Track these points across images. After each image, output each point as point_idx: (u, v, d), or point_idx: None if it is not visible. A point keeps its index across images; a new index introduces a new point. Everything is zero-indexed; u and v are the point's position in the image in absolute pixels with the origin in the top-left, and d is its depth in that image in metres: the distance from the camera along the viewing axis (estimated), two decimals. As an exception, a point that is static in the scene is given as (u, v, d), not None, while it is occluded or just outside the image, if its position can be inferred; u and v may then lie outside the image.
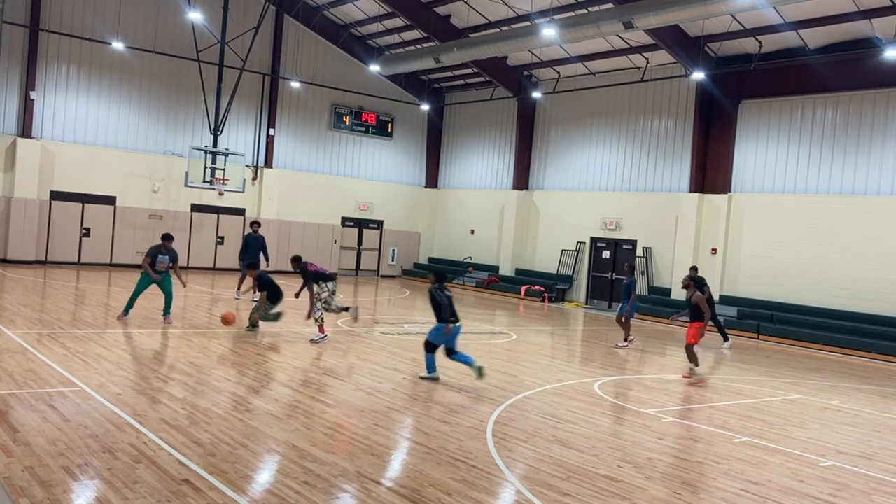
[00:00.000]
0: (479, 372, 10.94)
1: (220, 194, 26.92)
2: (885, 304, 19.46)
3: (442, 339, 11.15)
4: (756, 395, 12.28)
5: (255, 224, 20.58)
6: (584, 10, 22.22)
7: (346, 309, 14.41)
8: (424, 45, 27.94)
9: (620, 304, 17.42)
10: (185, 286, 15.55)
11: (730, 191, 23.28)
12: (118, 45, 25.34)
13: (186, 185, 25.85)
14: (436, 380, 11.20)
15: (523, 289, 27.45)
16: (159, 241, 15.06)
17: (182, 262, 27.40)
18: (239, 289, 20.22)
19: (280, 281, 16.77)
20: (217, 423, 8.04)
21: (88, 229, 25.87)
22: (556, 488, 6.78)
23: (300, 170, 30.60)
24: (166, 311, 15.02)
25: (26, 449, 6.68)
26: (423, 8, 26.56)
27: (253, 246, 19.77)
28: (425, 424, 8.72)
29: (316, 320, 14.05)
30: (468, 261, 31.66)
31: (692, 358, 13.14)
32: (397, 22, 28.24)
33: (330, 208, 31.18)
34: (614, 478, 7.23)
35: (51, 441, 6.94)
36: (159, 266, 14.80)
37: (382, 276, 32.44)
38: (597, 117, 27.36)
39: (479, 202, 31.69)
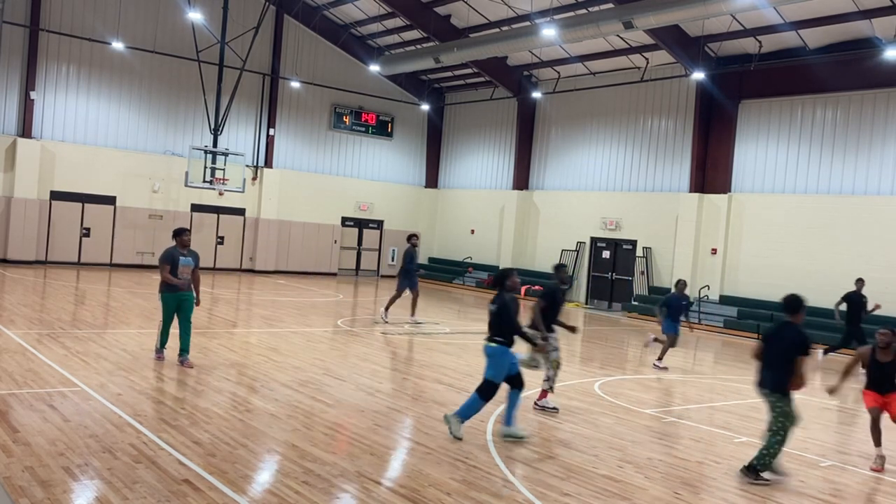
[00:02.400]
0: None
1: (220, 194, 26.92)
2: (886, 305, 19.44)
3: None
4: (756, 395, 12.26)
5: (415, 237, 17.52)
6: (584, 10, 22.21)
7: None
8: (424, 45, 27.93)
9: None
10: (198, 304, 11.18)
11: (730, 191, 23.28)
12: (118, 45, 25.33)
13: (186, 185, 25.85)
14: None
15: (523, 289, 27.45)
16: (172, 243, 10.89)
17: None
18: (387, 309, 17.56)
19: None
20: (217, 423, 8.04)
21: (88, 229, 25.87)
22: (556, 488, 6.77)
23: (300, 170, 30.59)
24: (184, 348, 10.93)
25: (26, 449, 6.68)
26: (423, 8, 26.55)
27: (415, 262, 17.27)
28: (425, 424, 8.72)
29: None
30: (468, 261, 31.66)
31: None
32: (397, 22, 28.24)
33: (330, 208, 31.17)
34: (614, 478, 7.23)
35: (51, 441, 6.94)
36: (182, 272, 10.78)
37: (382, 277, 32.44)
38: (597, 117, 27.36)
39: (479, 202, 31.69)
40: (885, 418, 8.36)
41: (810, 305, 22.91)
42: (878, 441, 8.34)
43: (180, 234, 10.92)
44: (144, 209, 26.84)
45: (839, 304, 17.04)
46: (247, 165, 28.27)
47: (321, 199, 30.87)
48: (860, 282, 16.93)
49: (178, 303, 10.86)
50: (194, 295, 11.03)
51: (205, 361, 11.41)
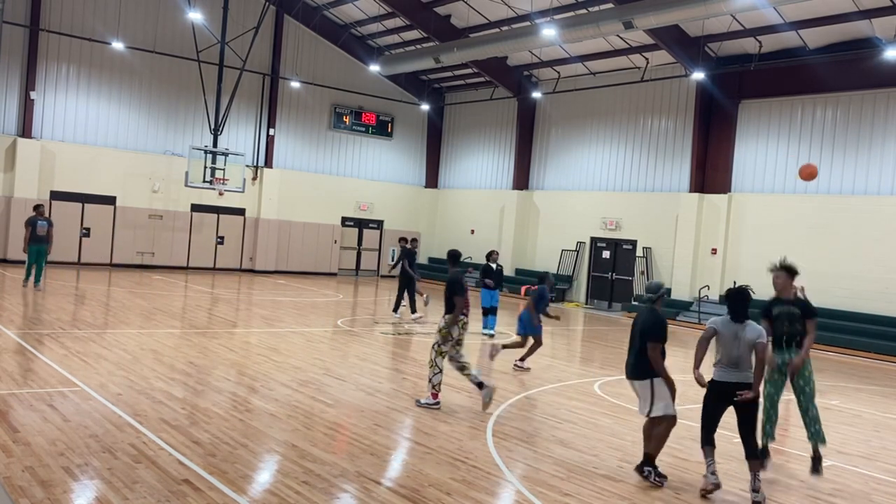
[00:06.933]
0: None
1: (220, 194, 26.92)
2: (886, 304, 19.45)
3: None
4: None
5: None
6: (584, 10, 22.22)
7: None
8: (424, 45, 27.93)
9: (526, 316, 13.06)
10: (49, 252, 18.40)
11: (730, 191, 23.28)
12: (118, 45, 25.35)
13: (186, 185, 25.84)
14: None
15: (523, 289, 27.42)
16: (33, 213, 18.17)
17: (181, 262, 27.64)
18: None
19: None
20: (217, 423, 8.04)
21: (88, 229, 25.86)
22: (556, 488, 6.77)
23: (300, 170, 30.59)
24: (38, 280, 18.11)
25: (26, 449, 6.68)
26: (423, 8, 26.55)
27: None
28: (425, 424, 8.72)
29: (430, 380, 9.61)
30: (468, 261, 31.64)
31: None
32: (397, 22, 28.24)
33: (330, 208, 31.17)
34: (614, 478, 7.23)
35: (51, 441, 6.94)
36: (39, 230, 17.96)
37: (382, 277, 32.44)
38: (597, 117, 27.36)
39: (479, 202, 31.69)
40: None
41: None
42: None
43: (38, 207, 18.46)
44: (144, 209, 26.84)
45: None
46: (247, 165, 28.28)
47: (321, 199, 30.87)
48: None
49: (38, 251, 18.10)
50: (48, 247, 18.34)
51: (205, 361, 11.42)
